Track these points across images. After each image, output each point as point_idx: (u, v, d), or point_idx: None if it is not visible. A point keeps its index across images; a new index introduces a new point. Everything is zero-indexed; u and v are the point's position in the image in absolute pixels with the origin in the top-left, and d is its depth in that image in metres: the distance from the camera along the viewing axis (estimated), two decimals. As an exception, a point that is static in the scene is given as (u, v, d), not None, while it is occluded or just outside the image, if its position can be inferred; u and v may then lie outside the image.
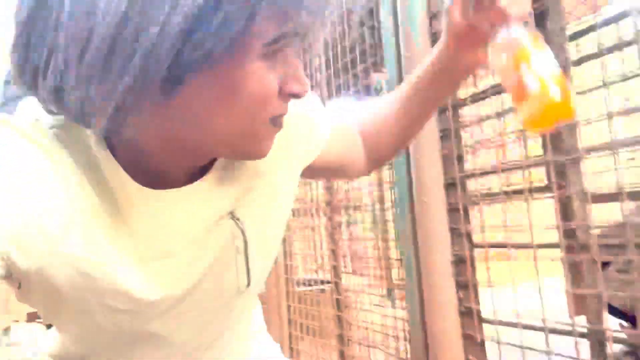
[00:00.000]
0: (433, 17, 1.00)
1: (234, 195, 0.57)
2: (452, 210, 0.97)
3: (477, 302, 0.93)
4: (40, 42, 0.39)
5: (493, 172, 0.88)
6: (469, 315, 0.94)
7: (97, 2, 0.36)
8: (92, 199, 0.47)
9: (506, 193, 0.90)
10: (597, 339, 0.78)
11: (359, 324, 1.53)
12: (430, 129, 0.99)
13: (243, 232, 0.59)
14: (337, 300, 1.65)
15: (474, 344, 0.94)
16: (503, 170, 0.85)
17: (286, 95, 0.46)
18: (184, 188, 0.52)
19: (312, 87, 1.55)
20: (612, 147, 0.69)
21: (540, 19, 0.84)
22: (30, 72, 0.40)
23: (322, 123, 0.67)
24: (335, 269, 1.66)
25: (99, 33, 0.36)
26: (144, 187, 0.49)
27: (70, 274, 0.47)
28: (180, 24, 0.36)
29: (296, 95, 0.46)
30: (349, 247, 1.83)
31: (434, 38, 0.99)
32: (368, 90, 1.49)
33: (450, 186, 0.97)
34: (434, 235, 0.98)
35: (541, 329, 0.82)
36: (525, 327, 0.83)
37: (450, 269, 0.96)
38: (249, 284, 0.61)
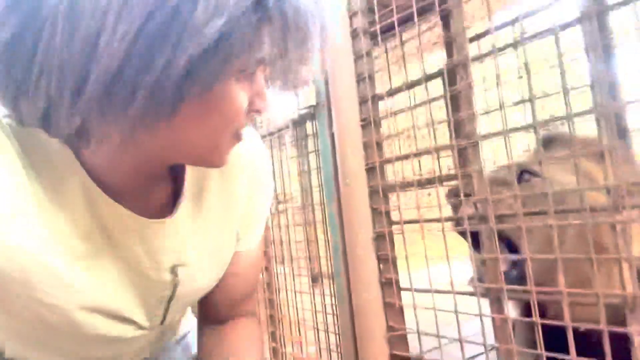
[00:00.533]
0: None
1: (183, 247, 0.62)
2: (373, 192, 1.07)
3: (396, 273, 1.04)
4: (25, 62, 0.38)
5: (406, 157, 0.99)
6: (389, 285, 1.05)
7: (100, 33, 0.36)
8: (38, 191, 0.49)
9: (420, 182, 1.02)
10: (496, 297, 0.92)
11: (289, 306, 1.60)
12: (353, 119, 1.08)
13: (174, 288, 0.65)
14: (268, 284, 1.72)
15: (393, 311, 1.05)
16: (415, 155, 0.95)
17: (252, 111, 0.50)
18: (156, 221, 0.57)
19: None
20: (504, 133, 0.82)
21: (445, 20, 0.95)
22: (14, 89, 0.40)
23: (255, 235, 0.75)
24: (265, 254, 1.72)
25: (103, 65, 0.36)
26: (104, 193, 0.53)
27: (4, 264, 0.47)
28: (184, 62, 0.37)
29: (259, 111, 0.50)
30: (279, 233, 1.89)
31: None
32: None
33: (370, 170, 1.07)
34: (357, 215, 1.08)
35: (449, 292, 0.94)
36: (437, 291, 0.94)
37: (372, 245, 1.07)
38: (162, 323, 0.69)
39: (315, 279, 1.77)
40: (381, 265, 1.06)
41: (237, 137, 0.52)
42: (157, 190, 0.60)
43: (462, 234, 0.99)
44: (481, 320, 0.88)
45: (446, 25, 0.95)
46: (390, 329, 1.05)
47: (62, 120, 0.40)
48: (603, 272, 0.75)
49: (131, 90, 0.38)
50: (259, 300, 1.78)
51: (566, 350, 0.71)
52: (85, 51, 0.36)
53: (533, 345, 0.79)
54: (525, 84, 0.82)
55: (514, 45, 0.91)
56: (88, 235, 0.54)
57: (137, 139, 0.45)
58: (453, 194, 0.98)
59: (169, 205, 0.61)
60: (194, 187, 0.62)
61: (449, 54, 1.62)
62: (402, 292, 1.05)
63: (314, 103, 1.19)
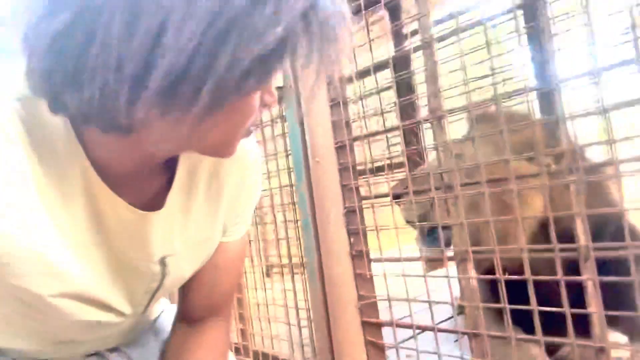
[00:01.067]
0: None
1: (172, 238, 0.63)
2: (343, 169, 1.12)
3: (366, 245, 1.10)
4: (80, 54, 0.38)
5: (376, 133, 1.04)
6: (360, 257, 1.11)
7: (162, 32, 0.37)
8: (40, 178, 0.49)
9: (390, 162, 1.09)
10: (461, 259, 1.00)
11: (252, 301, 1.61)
12: (322, 99, 1.12)
13: (162, 278, 0.67)
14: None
15: (364, 281, 1.11)
16: (384, 132, 1.01)
17: (263, 106, 0.51)
18: (148, 213, 0.58)
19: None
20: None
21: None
22: (59, 79, 0.40)
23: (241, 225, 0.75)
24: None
25: (168, 63, 0.37)
26: (104, 184, 0.53)
27: None
28: (247, 64, 0.39)
29: (268, 107, 0.52)
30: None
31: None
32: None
33: (340, 149, 1.12)
34: (328, 192, 1.13)
35: (417, 259, 1.01)
36: (406, 259, 1.01)
37: (343, 220, 1.12)
38: (144, 311, 0.71)
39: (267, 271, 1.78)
40: (352, 239, 1.12)
41: (247, 132, 0.53)
42: (152, 181, 0.61)
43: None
44: (449, 282, 0.96)
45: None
46: (361, 297, 1.11)
47: (120, 114, 0.41)
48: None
49: (196, 88, 0.39)
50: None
51: (525, 304, 0.80)
52: (146, 46, 0.37)
53: (494, 302, 0.87)
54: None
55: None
56: (83, 225, 0.55)
57: (166, 132, 0.46)
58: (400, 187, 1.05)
59: (160, 196, 0.62)
60: (185, 177, 0.63)
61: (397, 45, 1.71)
62: (372, 264, 1.11)
63: (280, 85, 1.22)
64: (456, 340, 1.45)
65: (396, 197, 1.06)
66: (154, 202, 0.60)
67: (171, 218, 0.62)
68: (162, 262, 0.64)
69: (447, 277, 0.93)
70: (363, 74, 1.11)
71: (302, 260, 1.33)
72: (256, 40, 0.38)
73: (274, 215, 1.47)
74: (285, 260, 1.45)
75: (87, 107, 0.41)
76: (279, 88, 1.23)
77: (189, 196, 0.64)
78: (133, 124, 0.44)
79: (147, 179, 0.59)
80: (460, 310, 1.55)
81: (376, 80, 1.12)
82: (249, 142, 0.71)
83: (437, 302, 0.96)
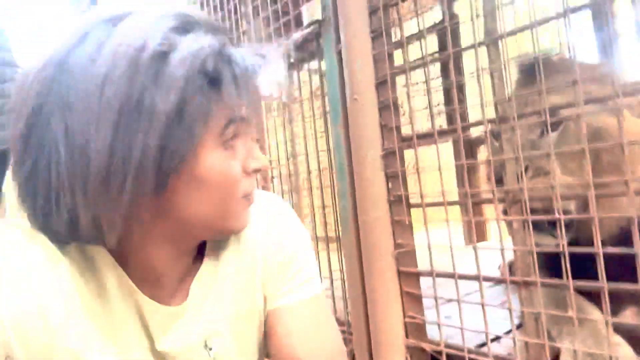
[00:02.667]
0: None
1: (212, 320, 0.62)
2: (383, 108, 1.03)
3: (406, 190, 1.02)
4: (45, 190, 0.47)
5: (421, 65, 0.95)
6: (399, 202, 1.03)
7: (89, 144, 0.44)
8: (88, 299, 0.53)
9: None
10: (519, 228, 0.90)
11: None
12: (362, 29, 1.03)
13: None
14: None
15: (402, 228, 1.03)
16: (431, 62, 0.91)
17: (249, 173, 0.55)
18: (175, 307, 0.59)
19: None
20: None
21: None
22: (42, 215, 0.48)
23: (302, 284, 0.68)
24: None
25: (94, 166, 0.44)
26: (151, 300, 0.56)
27: None
28: (156, 143, 0.45)
29: (257, 170, 0.56)
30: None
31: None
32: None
33: (381, 85, 1.03)
34: (366, 132, 1.04)
35: (461, 203, 0.92)
36: (449, 203, 0.93)
37: (381, 162, 1.04)
38: None
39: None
40: (390, 183, 1.04)
41: (248, 200, 0.56)
42: (188, 275, 0.62)
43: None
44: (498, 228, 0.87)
45: None
46: (397, 246, 1.03)
47: (82, 221, 0.47)
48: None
49: (122, 178, 0.45)
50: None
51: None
52: (82, 162, 0.45)
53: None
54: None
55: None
56: (128, 329, 0.57)
57: (152, 223, 0.51)
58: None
59: (186, 283, 0.62)
60: (210, 258, 0.63)
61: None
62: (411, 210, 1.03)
63: (319, 17, 1.13)
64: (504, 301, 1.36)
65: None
66: (178, 291, 0.62)
67: (203, 304, 0.62)
68: (207, 346, 0.62)
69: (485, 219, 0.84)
70: None
71: (334, 206, 1.26)
72: (158, 116, 0.45)
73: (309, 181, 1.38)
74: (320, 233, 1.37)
75: (68, 226, 0.48)
76: (316, 22, 1.14)
77: (218, 271, 0.64)
78: (110, 234, 0.48)
79: (184, 275, 0.61)
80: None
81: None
82: (268, 202, 0.70)
83: (482, 248, 0.88)
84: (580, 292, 1.00)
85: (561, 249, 0.73)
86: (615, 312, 1.10)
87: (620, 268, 0.69)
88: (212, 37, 0.49)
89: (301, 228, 0.70)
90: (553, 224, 0.94)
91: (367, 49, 1.03)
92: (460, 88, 1.68)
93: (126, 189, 0.45)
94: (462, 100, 1.49)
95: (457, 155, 2.12)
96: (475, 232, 2.80)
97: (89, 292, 0.54)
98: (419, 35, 0.95)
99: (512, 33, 0.79)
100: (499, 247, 0.92)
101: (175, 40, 0.47)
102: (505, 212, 0.87)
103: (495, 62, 0.81)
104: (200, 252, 0.63)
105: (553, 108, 0.72)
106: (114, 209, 0.46)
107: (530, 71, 0.92)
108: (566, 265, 0.72)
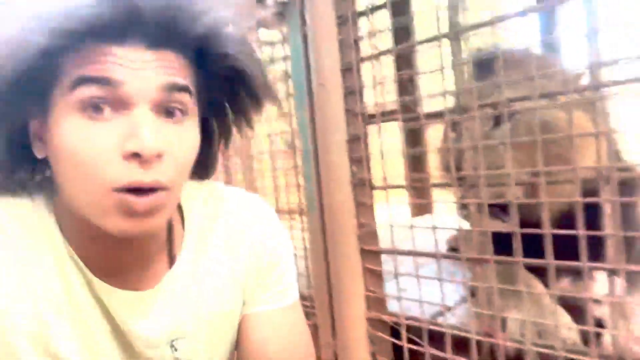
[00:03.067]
0: None
1: (182, 318, 0.60)
2: (348, 93, 1.06)
3: (369, 173, 1.07)
4: None
5: (388, 52, 0.98)
6: (362, 185, 1.07)
7: None
8: (47, 279, 0.52)
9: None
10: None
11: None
12: (329, 14, 1.04)
13: None
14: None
15: (365, 209, 1.08)
16: (391, 52, 0.95)
17: (127, 156, 0.44)
18: (142, 292, 0.56)
19: None
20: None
21: None
22: None
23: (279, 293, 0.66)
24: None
25: None
26: (105, 283, 0.54)
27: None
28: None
29: (134, 154, 0.44)
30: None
31: None
32: None
33: (346, 71, 1.06)
34: (331, 117, 1.07)
35: (424, 185, 0.98)
36: (412, 186, 0.98)
37: (346, 147, 1.07)
38: None
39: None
40: (354, 168, 1.08)
41: (125, 199, 0.45)
42: (151, 262, 0.58)
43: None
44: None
45: None
46: (361, 225, 1.08)
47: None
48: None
49: None
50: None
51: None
52: None
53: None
54: None
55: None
56: (87, 315, 0.55)
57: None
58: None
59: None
60: (190, 251, 0.61)
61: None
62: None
63: (285, 0, 1.13)
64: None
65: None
66: (155, 283, 0.59)
67: (174, 296, 0.59)
68: (172, 347, 0.59)
69: (454, 202, 0.90)
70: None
71: (299, 189, 1.30)
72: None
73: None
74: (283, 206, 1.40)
75: None
76: (282, 3, 1.14)
77: (196, 270, 0.61)
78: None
79: (145, 262, 0.57)
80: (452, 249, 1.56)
81: None
82: (258, 207, 0.68)
83: (441, 228, 0.94)
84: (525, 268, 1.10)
85: (513, 230, 0.81)
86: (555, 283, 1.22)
87: (558, 246, 0.77)
88: None
89: (285, 235, 0.69)
90: (501, 210, 1.02)
91: (333, 35, 1.05)
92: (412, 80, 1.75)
93: None
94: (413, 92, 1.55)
95: (408, 142, 2.21)
96: (424, 207, 2.93)
97: (48, 271, 0.52)
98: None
99: (475, 27, 0.84)
100: (456, 227, 0.99)
101: None
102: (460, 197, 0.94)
103: (457, 56, 0.86)
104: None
105: (505, 101, 0.78)
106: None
107: (485, 65, 0.98)
108: (517, 244, 0.80)
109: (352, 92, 1.05)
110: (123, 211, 0.45)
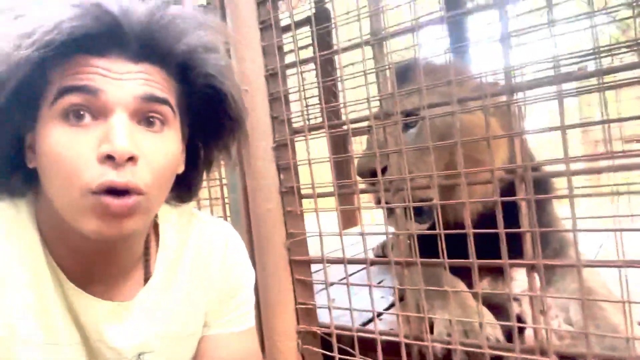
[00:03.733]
0: None
1: (151, 333, 0.61)
2: (274, 99, 1.04)
3: (297, 181, 1.05)
4: None
5: (311, 60, 0.97)
6: (291, 193, 1.05)
7: None
8: (22, 280, 0.52)
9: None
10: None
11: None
12: (251, 19, 1.02)
13: None
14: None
15: (294, 218, 1.06)
16: (321, 56, 0.94)
17: (101, 159, 0.46)
18: (117, 303, 0.57)
19: None
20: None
21: None
22: None
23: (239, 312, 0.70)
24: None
25: None
26: (81, 290, 0.55)
27: None
28: None
29: (108, 157, 0.46)
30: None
31: None
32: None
33: (271, 77, 1.03)
34: (257, 124, 1.04)
35: (351, 193, 0.98)
36: (340, 193, 0.97)
37: (272, 154, 1.05)
38: None
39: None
40: (282, 175, 1.06)
41: (99, 200, 0.46)
42: (128, 276, 0.60)
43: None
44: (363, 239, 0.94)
45: None
46: (290, 235, 1.06)
47: None
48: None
49: None
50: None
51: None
52: None
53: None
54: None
55: None
56: (57, 323, 0.55)
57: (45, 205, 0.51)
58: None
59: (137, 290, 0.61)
60: (164, 270, 0.63)
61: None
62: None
63: (204, 2, 1.09)
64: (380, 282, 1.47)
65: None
66: (131, 296, 0.60)
67: (147, 311, 0.61)
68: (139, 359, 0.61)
69: (383, 206, 0.91)
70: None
71: (223, 200, 1.24)
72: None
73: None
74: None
75: None
76: (202, 6, 1.10)
77: (168, 289, 0.63)
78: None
79: (121, 274, 0.59)
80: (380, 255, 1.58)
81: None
82: (226, 232, 0.71)
83: (370, 234, 0.94)
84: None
85: (437, 231, 0.82)
86: (471, 284, 1.27)
87: (476, 247, 0.80)
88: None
89: (249, 263, 0.74)
90: (417, 213, 1.05)
91: (256, 40, 1.03)
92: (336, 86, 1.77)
93: None
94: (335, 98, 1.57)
95: (333, 149, 2.24)
96: (349, 219, 2.98)
97: (22, 273, 0.52)
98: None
99: (395, 35, 0.86)
100: (383, 231, 1.00)
101: None
102: (379, 202, 0.95)
103: (379, 62, 0.87)
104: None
105: (416, 107, 0.80)
106: None
107: (403, 73, 1.01)
108: (442, 245, 0.82)
109: (277, 99, 1.03)
110: (99, 212, 0.47)
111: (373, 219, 3.58)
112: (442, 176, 0.85)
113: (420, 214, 0.99)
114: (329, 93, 1.86)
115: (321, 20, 2.20)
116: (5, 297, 0.51)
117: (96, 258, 0.55)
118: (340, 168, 2.85)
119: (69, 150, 0.46)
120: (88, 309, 0.56)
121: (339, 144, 2.44)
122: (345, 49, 0.93)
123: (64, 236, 0.53)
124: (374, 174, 0.92)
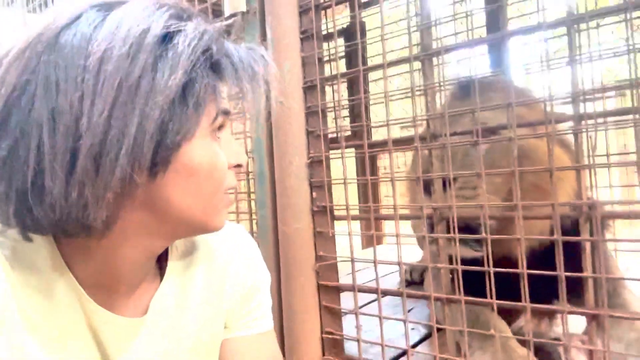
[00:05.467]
0: None
1: (170, 345, 0.60)
2: (310, 113, 0.98)
3: (331, 201, 0.98)
4: (23, 174, 0.43)
5: (352, 73, 0.91)
6: (322, 213, 0.99)
7: (79, 120, 0.42)
8: (28, 305, 0.50)
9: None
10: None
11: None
12: (292, 28, 0.97)
13: None
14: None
15: (325, 240, 0.99)
16: (364, 71, 0.88)
17: (232, 167, 0.54)
18: (134, 319, 0.57)
19: None
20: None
21: None
22: (16, 200, 0.44)
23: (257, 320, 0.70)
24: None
25: (87, 142, 0.42)
26: (103, 308, 0.54)
27: None
28: (156, 120, 0.44)
29: (239, 166, 0.55)
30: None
31: None
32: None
33: (309, 89, 0.98)
34: (291, 138, 0.99)
35: (390, 218, 0.91)
36: (377, 218, 0.91)
37: (305, 171, 0.99)
38: None
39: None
40: (314, 193, 0.99)
41: (229, 197, 0.55)
42: (145, 289, 0.60)
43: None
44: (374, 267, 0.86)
45: None
46: (319, 258, 0.99)
47: (66, 205, 0.44)
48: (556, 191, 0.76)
49: (116, 152, 0.43)
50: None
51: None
52: (70, 140, 0.42)
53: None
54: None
55: None
56: (77, 341, 0.54)
57: (133, 213, 0.49)
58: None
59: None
60: (176, 278, 0.62)
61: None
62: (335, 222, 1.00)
63: (243, 9, 1.05)
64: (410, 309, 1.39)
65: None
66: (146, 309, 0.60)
67: (162, 325, 0.60)
68: None
69: (425, 236, 0.83)
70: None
71: (251, 216, 1.19)
72: (160, 91, 0.44)
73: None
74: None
75: (53, 214, 0.44)
76: (239, 13, 1.06)
77: (183, 295, 0.62)
78: (95, 217, 0.45)
79: (142, 287, 0.59)
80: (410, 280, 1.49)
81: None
82: (242, 238, 0.71)
83: (407, 264, 0.87)
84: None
85: (486, 268, 0.74)
86: (510, 321, 1.18)
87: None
88: (209, 26, 0.50)
89: (264, 264, 0.73)
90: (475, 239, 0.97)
91: (296, 51, 0.97)
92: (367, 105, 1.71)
93: (120, 165, 0.43)
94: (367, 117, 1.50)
95: (359, 168, 2.19)
96: (371, 237, 2.87)
97: (29, 297, 0.50)
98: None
99: (449, 50, 0.79)
100: (419, 260, 0.92)
101: (179, 25, 0.47)
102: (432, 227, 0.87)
103: (429, 79, 0.81)
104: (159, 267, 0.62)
105: (486, 126, 0.73)
106: (105, 187, 0.44)
107: (465, 89, 0.94)
108: (491, 284, 0.74)
109: (314, 113, 0.97)
110: (226, 207, 0.55)
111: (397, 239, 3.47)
112: (498, 204, 0.77)
113: (477, 240, 0.91)
114: (363, 108, 1.81)
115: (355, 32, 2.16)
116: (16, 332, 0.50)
117: (130, 269, 0.56)
118: (365, 189, 2.78)
119: (219, 160, 0.51)
120: (107, 325, 0.55)
121: (364, 166, 2.36)
122: (392, 63, 0.87)
123: (97, 258, 0.53)
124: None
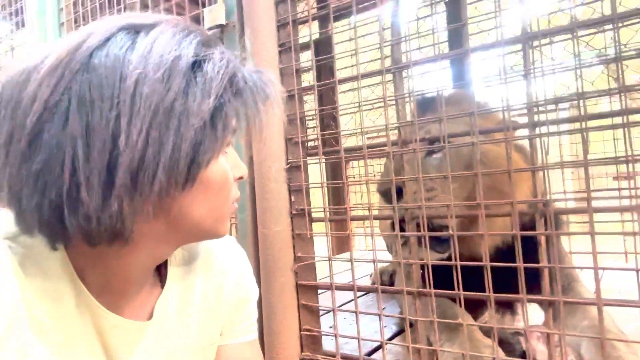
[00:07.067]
0: None
1: (173, 348, 0.63)
2: (289, 121, 1.04)
3: (309, 204, 1.03)
4: (58, 186, 0.45)
5: (329, 84, 0.97)
6: (301, 216, 1.04)
7: (117, 137, 0.44)
8: (37, 311, 0.51)
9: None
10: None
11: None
12: (271, 41, 1.02)
13: None
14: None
15: (303, 241, 1.04)
16: (339, 82, 0.95)
17: (236, 180, 0.59)
18: (141, 323, 0.59)
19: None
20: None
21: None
22: (50, 211, 0.46)
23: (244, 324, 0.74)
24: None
25: (125, 158, 0.44)
26: (112, 313, 0.56)
27: None
28: (190, 140, 0.48)
29: (241, 177, 0.60)
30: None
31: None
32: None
33: (288, 99, 1.03)
34: (271, 144, 1.04)
35: (365, 218, 0.97)
36: (352, 219, 0.97)
37: (285, 176, 1.04)
38: None
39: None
40: (293, 197, 1.05)
41: (234, 206, 0.59)
42: (149, 294, 0.63)
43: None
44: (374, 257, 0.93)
45: None
46: (298, 259, 1.04)
47: (102, 218, 0.46)
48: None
49: (153, 170, 0.46)
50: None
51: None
52: (107, 155, 0.45)
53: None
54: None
55: None
56: (84, 346, 0.55)
57: (149, 222, 0.51)
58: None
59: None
60: (177, 283, 0.65)
61: None
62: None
63: (222, 22, 1.09)
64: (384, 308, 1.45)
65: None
66: (150, 313, 0.62)
67: (166, 329, 0.63)
68: None
69: (401, 234, 0.90)
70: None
71: (230, 220, 1.22)
72: (194, 116, 0.47)
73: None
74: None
75: (87, 225, 0.46)
76: (219, 26, 1.11)
77: (185, 301, 0.65)
78: (127, 227, 0.48)
79: (144, 292, 0.62)
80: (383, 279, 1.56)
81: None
82: (236, 251, 0.75)
83: (382, 261, 0.93)
84: (452, 299, 1.12)
85: (453, 262, 0.81)
86: (476, 315, 1.26)
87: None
88: (230, 53, 0.54)
89: (253, 277, 0.78)
90: (436, 240, 1.04)
91: (275, 62, 1.03)
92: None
93: (158, 180, 0.46)
94: (335, 126, 1.58)
95: (331, 173, 2.26)
96: (344, 244, 2.94)
97: (39, 302, 0.52)
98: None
99: (417, 63, 0.86)
100: (390, 258, 0.98)
101: (207, 53, 0.51)
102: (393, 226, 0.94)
103: (399, 90, 0.88)
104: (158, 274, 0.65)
105: (433, 136, 0.80)
106: (144, 200, 0.47)
107: (422, 105, 1.02)
108: (458, 277, 0.81)
109: (292, 121, 1.03)
110: (230, 215, 0.59)
111: (367, 245, 3.55)
112: (462, 206, 0.85)
113: (440, 242, 0.98)
114: (330, 118, 1.87)
115: (324, 45, 2.23)
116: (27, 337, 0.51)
117: (139, 274, 0.58)
118: (337, 193, 2.85)
119: (229, 173, 0.55)
120: (116, 329, 0.57)
121: (336, 170, 2.44)
122: (365, 75, 0.93)
123: (106, 265, 0.55)
124: (389, 195, 0.91)
